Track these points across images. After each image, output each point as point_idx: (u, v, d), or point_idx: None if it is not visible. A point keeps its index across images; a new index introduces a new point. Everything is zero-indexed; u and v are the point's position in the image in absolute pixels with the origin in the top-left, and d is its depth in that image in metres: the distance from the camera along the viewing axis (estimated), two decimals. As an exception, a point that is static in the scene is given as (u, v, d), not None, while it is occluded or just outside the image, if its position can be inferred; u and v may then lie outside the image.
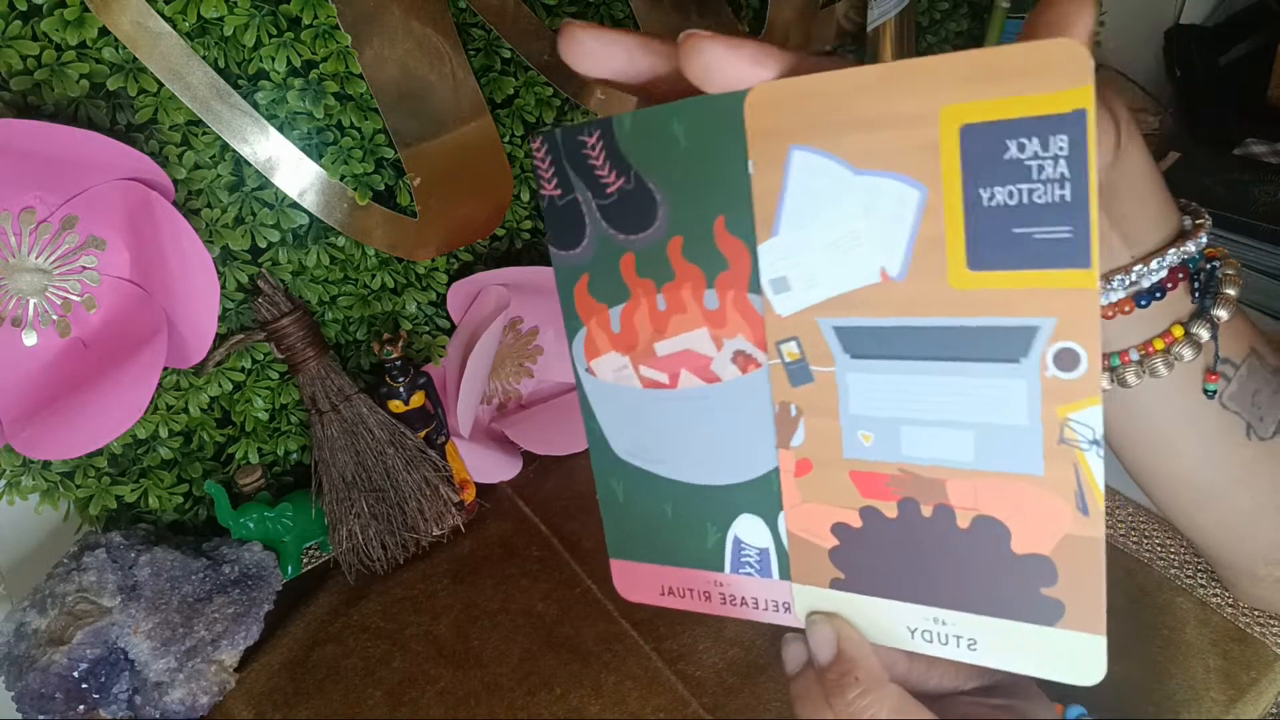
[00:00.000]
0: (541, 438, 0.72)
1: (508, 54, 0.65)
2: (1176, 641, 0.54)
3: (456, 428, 0.68)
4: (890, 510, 0.27)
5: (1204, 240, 0.38)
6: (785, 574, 0.30)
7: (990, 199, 0.23)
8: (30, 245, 0.53)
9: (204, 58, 0.54)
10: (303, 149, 0.58)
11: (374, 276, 0.65)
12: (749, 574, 0.31)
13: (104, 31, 0.51)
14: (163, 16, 0.52)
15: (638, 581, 0.34)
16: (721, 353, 0.29)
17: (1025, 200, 0.22)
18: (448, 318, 0.70)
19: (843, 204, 0.25)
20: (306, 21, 0.56)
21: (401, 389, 0.65)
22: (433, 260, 0.67)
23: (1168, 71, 1.02)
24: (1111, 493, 0.64)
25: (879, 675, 0.29)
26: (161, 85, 0.53)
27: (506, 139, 0.68)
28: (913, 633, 0.28)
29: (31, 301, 0.54)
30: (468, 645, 0.60)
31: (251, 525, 0.63)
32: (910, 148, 0.23)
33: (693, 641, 0.58)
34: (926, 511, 0.27)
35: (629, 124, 0.28)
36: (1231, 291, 0.39)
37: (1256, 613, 0.55)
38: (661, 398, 0.31)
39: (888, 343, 0.26)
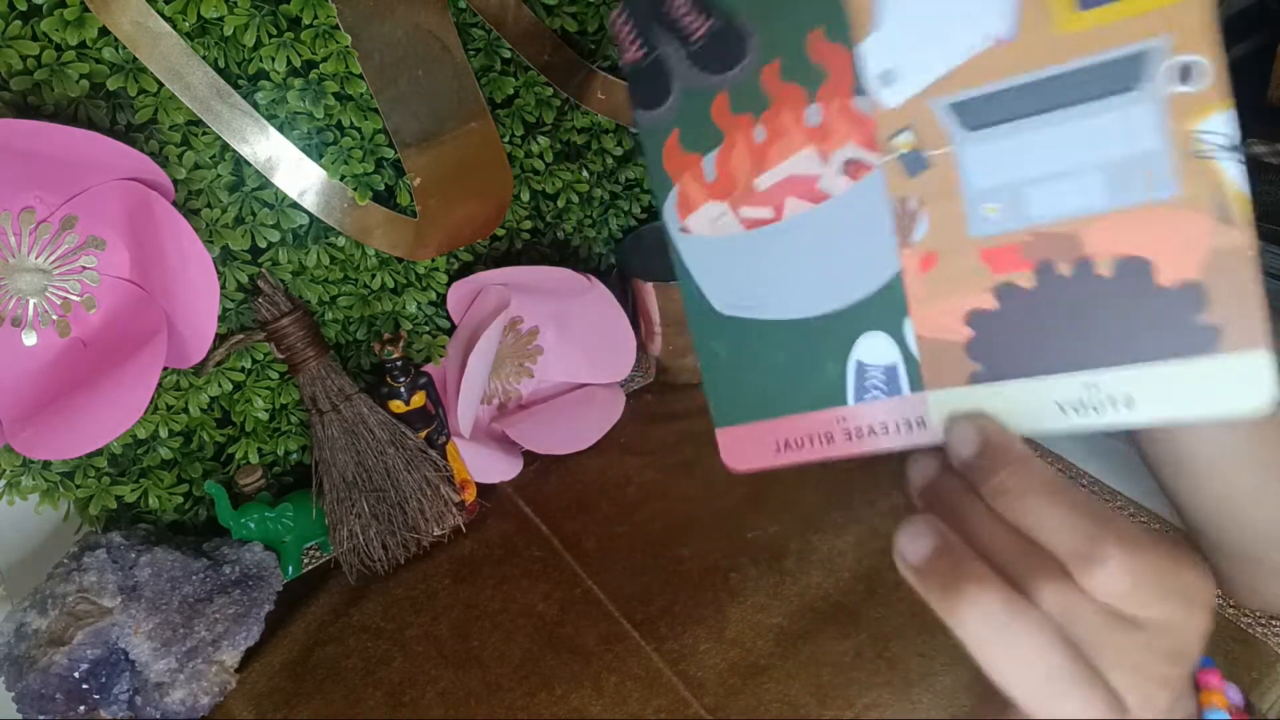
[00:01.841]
0: (542, 437, 0.72)
1: (508, 54, 0.65)
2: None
3: (457, 428, 0.68)
4: (1027, 280, 0.27)
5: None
6: (917, 384, 0.29)
7: None
8: (30, 245, 0.52)
9: (204, 58, 0.54)
10: (303, 149, 0.58)
11: (374, 276, 0.65)
12: (875, 398, 0.30)
13: (104, 31, 0.51)
14: (163, 16, 0.52)
15: (748, 446, 0.32)
16: (830, 166, 0.29)
17: None
18: (448, 318, 0.70)
19: None
20: (306, 21, 0.56)
21: (402, 389, 0.65)
22: (433, 260, 0.67)
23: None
24: (1111, 492, 0.64)
25: (1026, 454, 0.27)
26: (161, 85, 0.53)
27: (506, 139, 0.67)
28: (1063, 408, 0.27)
29: (31, 301, 0.53)
30: (468, 645, 0.60)
31: (252, 525, 0.63)
32: None
33: (694, 642, 0.58)
34: (1065, 269, 0.26)
35: None
36: None
37: (1257, 613, 0.55)
38: (767, 234, 0.31)
39: (1005, 106, 0.26)
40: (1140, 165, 0.25)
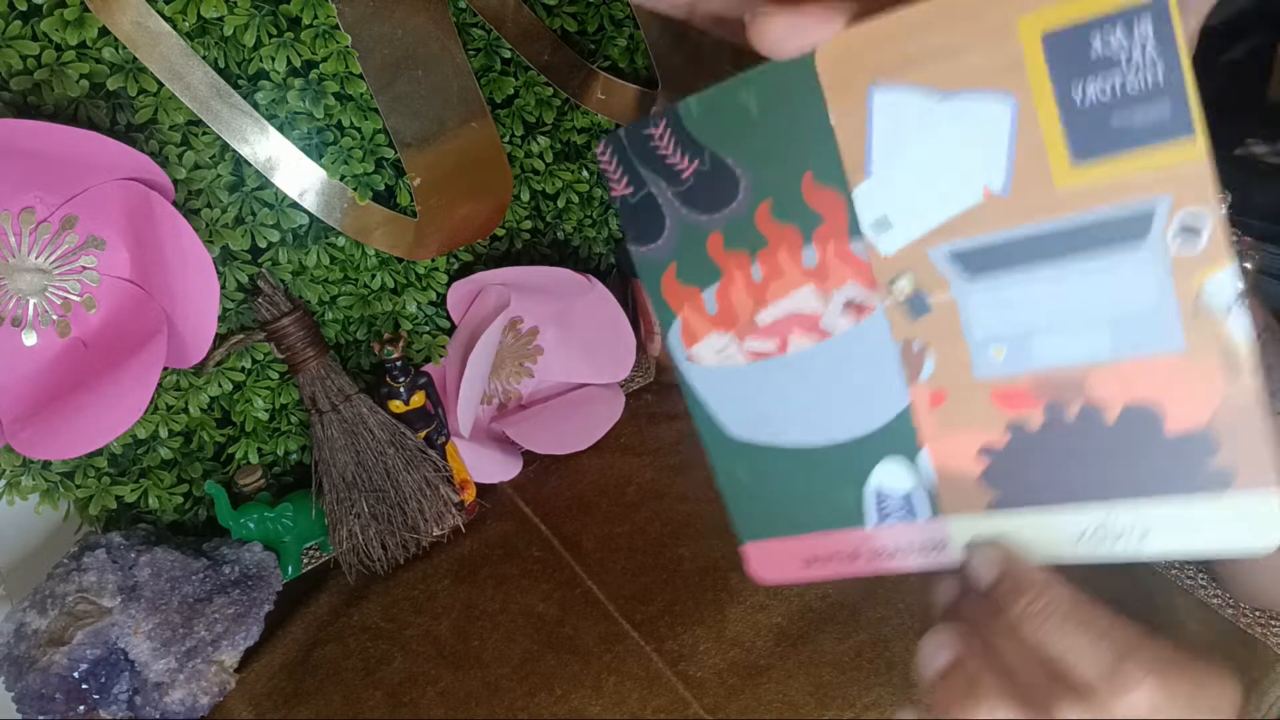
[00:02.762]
0: (541, 438, 0.72)
1: (508, 54, 0.65)
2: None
3: (457, 428, 0.68)
4: (1035, 420, 0.27)
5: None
6: (936, 511, 0.29)
7: (1084, 98, 0.23)
8: (30, 245, 0.52)
9: (204, 58, 0.54)
10: (303, 149, 0.58)
11: (374, 276, 0.65)
12: (896, 521, 0.30)
13: (104, 31, 0.51)
14: (163, 16, 0.52)
15: (776, 560, 0.33)
16: (830, 306, 0.29)
17: (1119, 91, 0.23)
18: (448, 318, 0.70)
19: (933, 132, 0.25)
20: (306, 21, 0.56)
21: (402, 389, 0.65)
22: (433, 260, 0.67)
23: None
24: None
25: (1049, 579, 0.28)
26: (161, 85, 0.53)
27: (506, 139, 0.67)
28: (1080, 538, 0.27)
29: (31, 301, 0.53)
30: (468, 645, 0.60)
31: (252, 525, 0.63)
32: (994, 65, 0.24)
33: (693, 642, 0.58)
34: (1072, 413, 0.26)
35: (695, 107, 0.28)
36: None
37: (1258, 613, 0.55)
38: (773, 366, 0.31)
39: (1003, 256, 0.26)
40: (1146, 319, 0.25)
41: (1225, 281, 0.24)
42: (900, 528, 0.30)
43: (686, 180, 0.29)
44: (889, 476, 0.30)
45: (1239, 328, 0.24)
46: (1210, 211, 0.23)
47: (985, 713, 0.27)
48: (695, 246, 0.30)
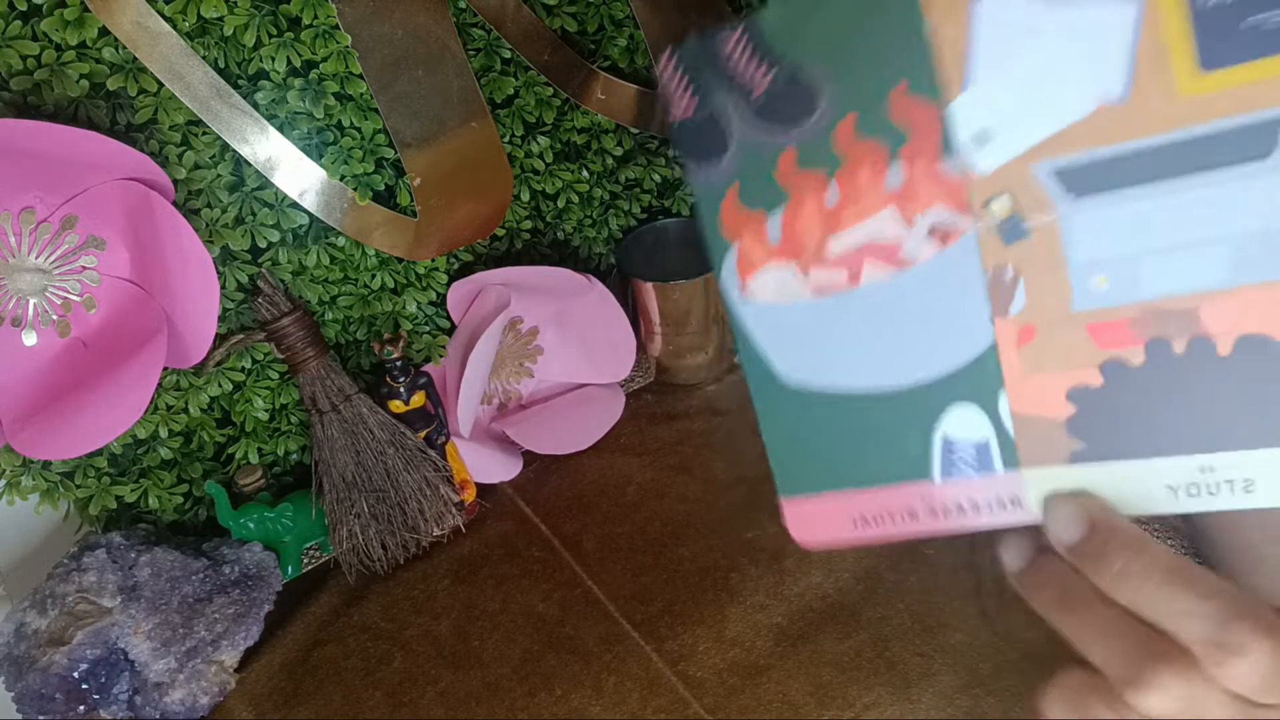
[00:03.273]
0: (541, 437, 0.72)
1: (508, 54, 0.65)
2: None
3: (457, 428, 0.68)
4: (1136, 356, 0.25)
5: None
6: (1012, 462, 0.27)
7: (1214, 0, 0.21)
8: (30, 245, 0.52)
9: (204, 58, 0.54)
10: (303, 149, 0.58)
11: (374, 276, 0.65)
12: (964, 475, 0.27)
13: (104, 31, 0.51)
14: (163, 16, 0.52)
15: (819, 520, 0.30)
16: (914, 231, 0.26)
17: None
18: (448, 318, 0.70)
19: (1044, 38, 0.23)
20: (306, 21, 0.56)
21: (402, 389, 0.65)
22: (433, 260, 0.67)
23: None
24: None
25: (1144, 537, 0.25)
26: (161, 85, 0.53)
27: (506, 139, 0.67)
28: (1175, 491, 0.25)
29: (31, 301, 0.53)
30: (468, 645, 0.60)
31: (252, 525, 0.63)
32: None
33: (693, 642, 0.58)
34: (1179, 347, 0.24)
35: (776, 15, 0.26)
36: None
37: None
38: (842, 301, 0.28)
39: (1115, 172, 0.24)
40: (1269, 242, 0.23)
41: None
42: (970, 481, 0.27)
43: (760, 93, 0.27)
44: (961, 424, 0.27)
45: None
46: None
47: (1060, 695, 0.25)
48: (762, 166, 0.28)
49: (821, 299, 0.28)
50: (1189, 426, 0.25)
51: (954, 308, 0.26)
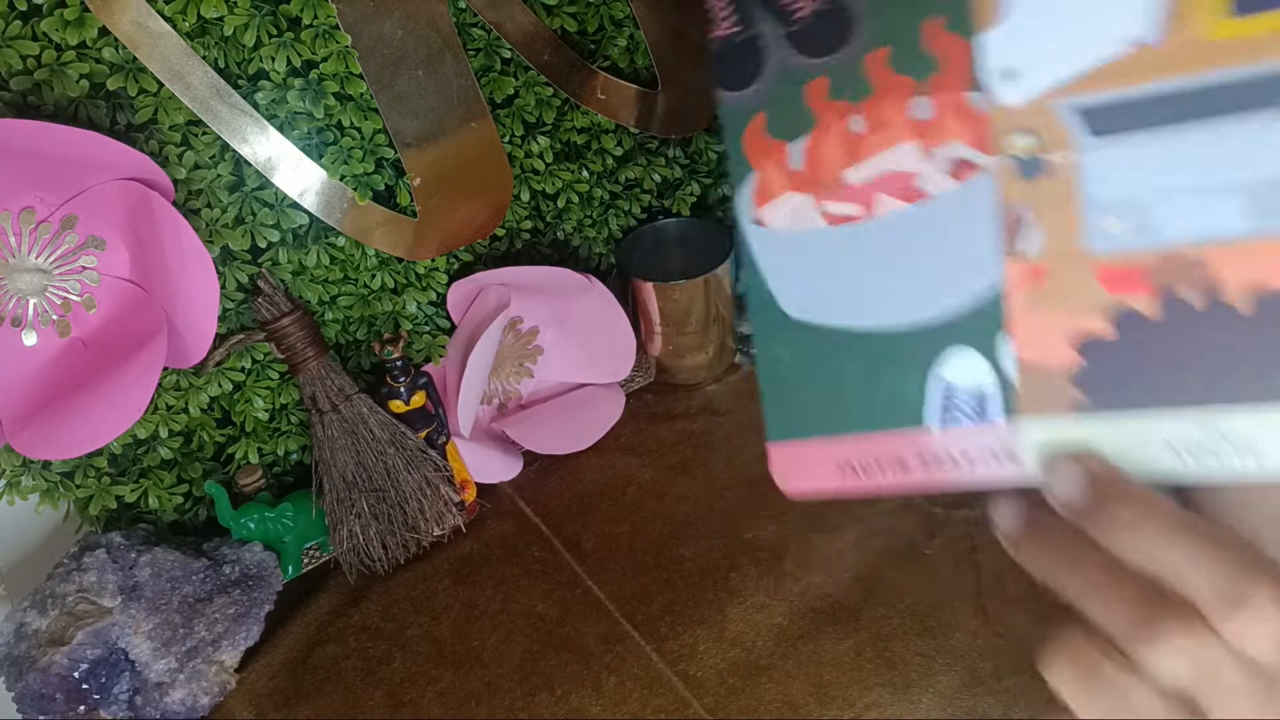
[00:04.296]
0: (542, 437, 0.72)
1: (508, 54, 0.65)
2: None
3: (457, 428, 0.68)
4: (1148, 306, 0.24)
5: None
6: (1010, 411, 0.26)
7: None
8: (30, 245, 0.52)
9: (204, 58, 0.54)
10: (303, 149, 0.58)
11: (374, 276, 0.65)
12: (960, 423, 0.27)
13: (104, 31, 0.51)
14: (163, 16, 0.52)
15: (805, 465, 0.29)
16: (932, 163, 0.26)
17: None
18: (448, 318, 0.70)
19: None
20: (306, 21, 0.56)
21: (402, 389, 0.65)
22: (433, 260, 0.67)
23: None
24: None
25: (1152, 496, 0.24)
26: (161, 85, 0.53)
27: (506, 139, 0.67)
28: (1178, 450, 0.24)
29: (31, 301, 0.53)
30: (468, 645, 0.60)
31: (252, 525, 0.63)
32: None
33: (694, 642, 0.58)
34: (1193, 299, 0.23)
35: None
36: None
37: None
38: (854, 232, 0.28)
39: (1141, 113, 0.23)
40: None
41: None
42: (965, 430, 0.27)
43: (801, 19, 0.27)
44: (962, 368, 0.26)
45: None
46: None
47: (1064, 658, 0.24)
48: (792, 94, 0.28)
49: (834, 230, 0.28)
50: (1199, 381, 0.24)
51: (966, 244, 0.26)
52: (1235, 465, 0.24)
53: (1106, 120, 0.24)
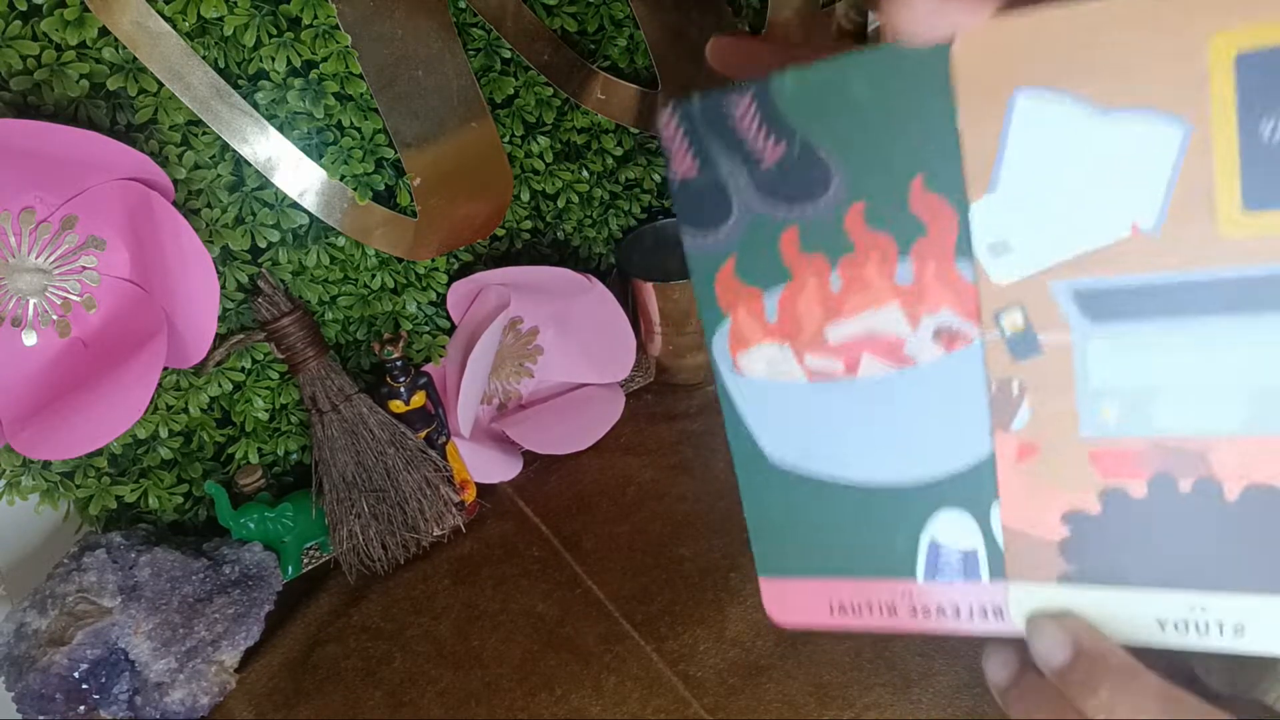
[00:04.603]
0: (542, 437, 0.72)
1: (508, 54, 0.65)
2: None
3: (457, 428, 0.68)
4: (1138, 489, 0.24)
5: None
6: (999, 574, 0.26)
7: (1273, 133, 0.20)
8: (30, 245, 0.52)
9: (204, 58, 0.54)
10: (303, 149, 0.58)
11: (374, 276, 0.65)
12: (949, 580, 0.27)
13: (104, 31, 0.51)
14: (163, 16, 0.52)
15: (797, 601, 0.29)
16: (918, 331, 0.25)
17: None
18: (448, 318, 0.70)
19: (1082, 150, 0.22)
20: (306, 21, 0.56)
21: (402, 389, 0.65)
22: (433, 260, 0.67)
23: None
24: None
25: (1134, 666, 0.24)
26: (161, 85, 0.53)
27: (506, 139, 0.67)
28: (1163, 625, 0.24)
29: (31, 301, 0.53)
30: (468, 645, 0.60)
31: (252, 525, 0.63)
32: (1172, 84, 0.21)
33: (694, 642, 0.58)
34: (1185, 486, 0.23)
35: (792, 84, 0.24)
36: None
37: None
38: (837, 390, 0.27)
39: (1140, 303, 0.23)
40: None
41: None
42: (954, 586, 0.27)
43: (767, 166, 0.26)
44: (950, 529, 0.26)
45: None
46: None
47: None
48: (764, 242, 0.26)
49: (816, 384, 0.27)
50: (1185, 563, 0.24)
51: (954, 414, 0.26)
52: (1220, 642, 0.24)
53: (1104, 306, 0.23)
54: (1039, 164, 0.22)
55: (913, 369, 0.26)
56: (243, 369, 0.63)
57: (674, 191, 0.27)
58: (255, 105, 0.56)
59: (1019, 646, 0.26)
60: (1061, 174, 0.22)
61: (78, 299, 0.55)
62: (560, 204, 0.73)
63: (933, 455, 0.26)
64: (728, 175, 0.26)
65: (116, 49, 0.52)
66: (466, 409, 0.67)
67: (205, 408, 0.62)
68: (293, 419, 0.67)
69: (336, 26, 0.56)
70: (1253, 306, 0.22)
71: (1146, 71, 0.21)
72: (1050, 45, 0.21)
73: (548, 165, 0.71)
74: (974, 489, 0.26)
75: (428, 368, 0.69)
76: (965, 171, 0.23)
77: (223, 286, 0.59)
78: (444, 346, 0.70)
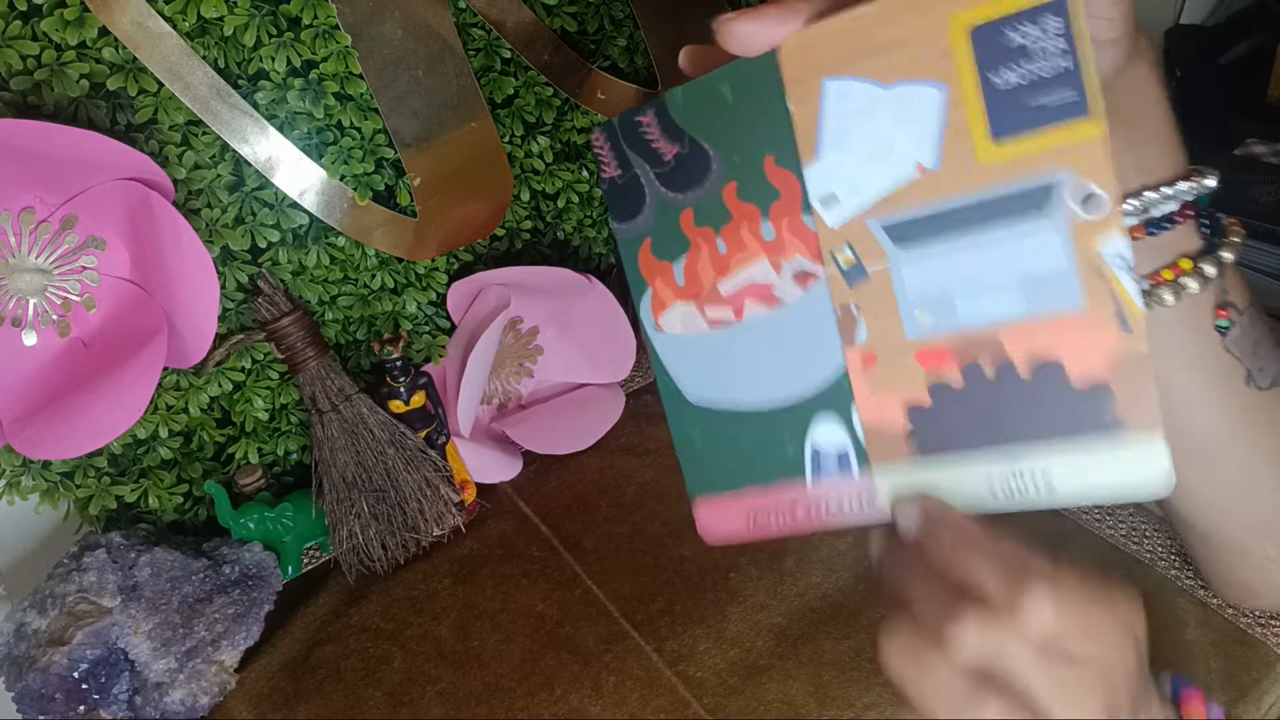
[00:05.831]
0: (541, 438, 0.72)
1: (508, 54, 0.65)
2: (1177, 643, 0.54)
3: (457, 428, 0.68)
4: (956, 380, 0.30)
5: (1213, 183, 0.40)
6: (865, 466, 0.32)
7: (1004, 83, 0.27)
8: (30, 245, 0.53)
9: (204, 58, 0.54)
10: (303, 149, 0.58)
11: (374, 276, 0.65)
12: (830, 478, 0.33)
13: (104, 31, 0.51)
14: (163, 16, 0.52)
15: (723, 517, 0.36)
16: (782, 275, 0.32)
17: (1033, 77, 0.27)
18: (448, 318, 0.70)
19: (875, 117, 0.29)
20: (306, 21, 0.56)
21: (402, 389, 0.65)
22: (433, 260, 0.67)
23: (1167, 72, 1.02)
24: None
25: (966, 519, 0.30)
26: (161, 85, 0.53)
27: (506, 139, 0.68)
28: (994, 492, 0.30)
29: (31, 301, 0.53)
30: (468, 645, 0.60)
31: (252, 525, 0.63)
32: (929, 56, 0.28)
33: (693, 642, 0.58)
34: (989, 372, 0.29)
35: (681, 97, 0.33)
36: (1236, 239, 0.41)
37: (1257, 614, 0.55)
38: (730, 333, 0.34)
39: (932, 227, 0.29)
40: (1051, 281, 0.28)
41: (1119, 246, 0.27)
42: (835, 482, 0.33)
43: (668, 163, 0.33)
44: (825, 434, 0.33)
45: (1132, 290, 0.27)
46: (1107, 187, 0.27)
47: (891, 643, 0.30)
48: (669, 222, 0.34)
49: (715, 331, 0.34)
50: (1002, 432, 0.30)
51: (814, 337, 0.32)
52: (1038, 497, 0.30)
53: (907, 234, 0.30)
54: (847, 132, 0.29)
55: (782, 307, 0.33)
56: (243, 369, 0.63)
57: (604, 191, 0.35)
58: (255, 105, 0.56)
59: (892, 530, 0.32)
60: (864, 136, 0.29)
61: (78, 299, 0.55)
62: (560, 204, 0.73)
63: (804, 374, 0.33)
64: (641, 173, 0.34)
65: (116, 49, 0.52)
66: (466, 409, 0.67)
67: (205, 408, 0.62)
68: (293, 419, 0.67)
69: (336, 26, 0.56)
70: (1008, 214, 0.28)
71: (909, 52, 0.28)
72: (842, 43, 0.29)
73: (548, 165, 0.71)
74: (836, 398, 0.32)
75: (428, 368, 0.69)
76: (799, 145, 0.30)
77: (223, 286, 0.59)
78: (444, 346, 0.70)
